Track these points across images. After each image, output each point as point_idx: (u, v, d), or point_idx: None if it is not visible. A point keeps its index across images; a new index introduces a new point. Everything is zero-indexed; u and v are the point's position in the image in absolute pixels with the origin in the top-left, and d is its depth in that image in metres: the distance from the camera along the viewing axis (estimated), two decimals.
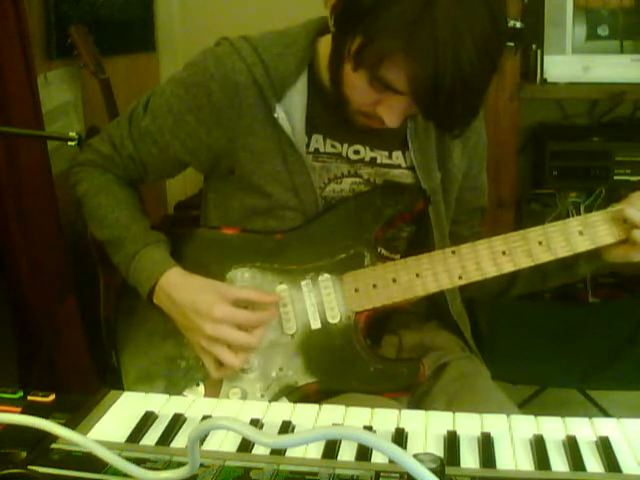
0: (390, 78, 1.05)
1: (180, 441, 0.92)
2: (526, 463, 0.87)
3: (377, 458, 0.86)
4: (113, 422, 0.96)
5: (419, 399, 1.27)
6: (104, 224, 1.32)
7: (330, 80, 1.18)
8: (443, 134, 1.17)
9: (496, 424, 0.94)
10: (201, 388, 1.23)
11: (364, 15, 1.03)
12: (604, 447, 0.88)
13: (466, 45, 0.99)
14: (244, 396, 1.21)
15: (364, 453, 0.87)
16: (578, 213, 2.28)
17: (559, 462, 0.87)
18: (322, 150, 1.26)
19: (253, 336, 1.19)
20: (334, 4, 1.10)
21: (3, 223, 1.88)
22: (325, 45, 1.23)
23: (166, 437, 0.92)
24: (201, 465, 0.81)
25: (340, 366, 1.21)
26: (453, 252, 1.20)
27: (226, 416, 0.77)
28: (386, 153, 1.28)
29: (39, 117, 1.97)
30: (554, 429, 0.93)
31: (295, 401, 1.16)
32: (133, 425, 0.95)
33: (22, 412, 0.92)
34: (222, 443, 0.91)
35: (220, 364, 1.20)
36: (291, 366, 1.21)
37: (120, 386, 1.27)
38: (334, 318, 1.22)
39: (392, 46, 1.01)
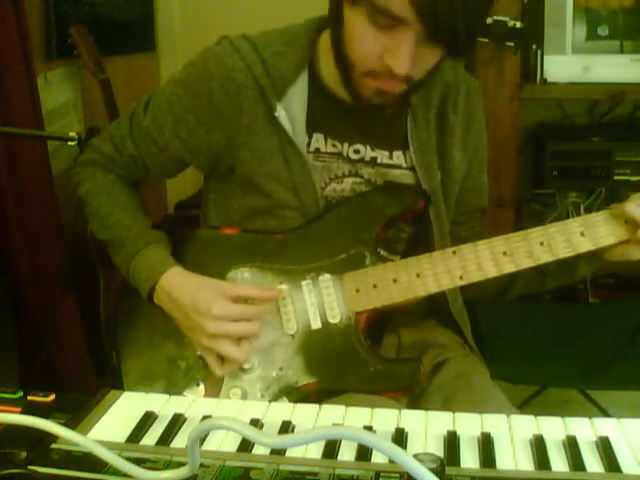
0: (390, 4, 1.04)
1: (180, 441, 0.92)
2: (526, 463, 0.87)
3: (377, 458, 0.86)
4: (113, 422, 0.96)
5: (416, 397, 1.27)
6: (105, 224, 1.32)
7: (333, 44, 1.17)
8: (453, 54, 1.14)
9: (496, 424, 0.94)
10: (201, 388, 1.23)
11: None
12: (604, 447, 0.88)
13: None
14: (244, 396, 1.21)
15: (364, 453, 0.87)
16: (578, 213, 2.28)
17: (559, 462, 0.87)
18: (323, 150, 1.26)
19: (252, 324, 1.19)
20: None
21: (3, 223, 1.88)
22: (325, 42, 1.23)
23: (166, 437, 0.92)
24: (201, 465, 0.81)
25: (340, 366, 1.21)
26: (454, 252, 1.20)
27: (226, 416, 0.77)
28: (387, 153, 1.28)
29: (39, 117, 1.97)
30: (554, 429, 0.93)
31: (295, 401, 1.16)
32: (133, 425, 0.95)
33: (22, 412, 0.92)
34: (222, 443, 0.90)
35: (223, 361, 1.20)
36: (291, 366, 1.21)
37: (120, 386, 1.27)
38: (334, 318, 1.22)
39: None
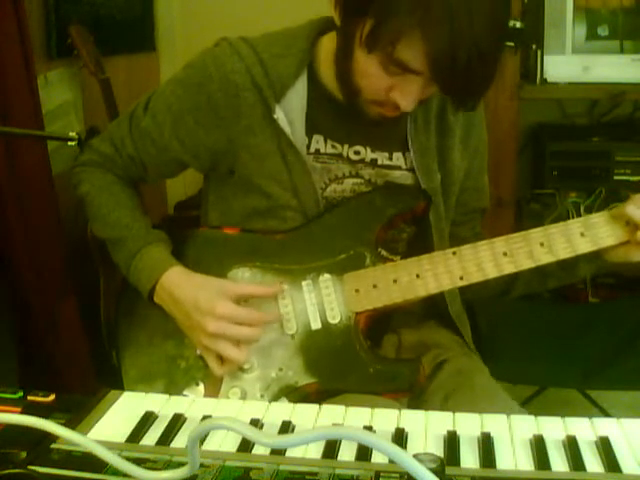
0: (406, 57, 1.05)
1: (180, 441, 0.92)
2: (526, 463, 0.87)
3: (377, 458, 0.86)
4: (113, 422, 0.96)
5: (417, 395, 1.27)
6: (105, 224, 1.32)
7: (338, 72, 1.17)
8: (459, 108, 1.17)
9: (496, 424, 0.94)
10: (201, 387, 1.23)
11: None
12: (604, 447, 0.88)
13: (480, 15, 1.01)
14: (244, 396, 1.21)
15: (364, 453, 0.87)
16: (578, 213, 2.28)
17: (559, 462, 0.87)
18: (323, 151, 1.26)
19: (254, 329, 1.19)
20: None
21: (3, 223, 1.88)
22: (326, 45, 1.23)
23: (166, 437, 0.92)
24: (201, 465, 0.81)
25: (340, 366, 1.21)
26: (454, 253, 1.20)
27: (226, 416, 0.77)
28: (386, 154, 1.28)
29: (39, 117, 1.97)
30: (554, 429, 0.93)
31: (295, 401, 1.16)
32: (133, 425, 0.95)
33: (22, 412, 0.92)
34: (222, 443, 0.90)
35: (222, 360, 1.20)
36: (291, 366, 1.21)
37: (120, 386, 1.27)
38: (334, 318, 1.22)
39: (408, 23, 1.01)
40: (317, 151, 1.26)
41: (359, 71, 1.12)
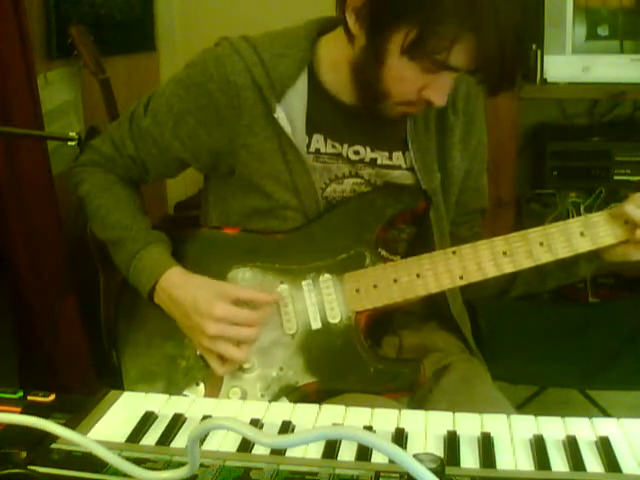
0: (457, 60, 1.07)
1: (180, 441, 0.92)
2: (526, 463, 0.87)
3: (377, 458, 0.86)
4: (113, 422, 0.96)
5: (419, 401, 1.26)
6: (105, 224, 1.32)
7: (362, 80, 1.17)
8: (494, 94, 1.19)
9: (496, 424, 0.94)
10: (201, 387, 1.23)
11: (415, 5, 1.04)
12: (604, 447, 0.88)
13: (516, 11, 1.05)
14: (244, 396, 1.21)
15: (364, 453, 0.87)
16: (578, 213, 2.28)
17: (559, 462, 0.87)
18: (323, 150, 1.26)
19: (253, 329, 1.19)
20: (359, 6, 1.10)
21: (3, 223, 1.88)
22: (325, 45, 1.23)
23: (166, 437, 0.92)
24: (201, 465, 0.81)
25: (340, 366, 1.21)
26: (454, 252, 1.20)
27: (226, 416, 0.77)
28: (386, 154, 1.28)
29: (39, 117, 1.97)
30: (554, 429, 0.93)
31: (295, 401, 1.16)
32: (133, 425, 0.94)
33: (22, 412, 0.92)
34: (222, 443, 0.90)
35: (223, 360, 1.20)
36: (291, 366, 1.21)
37: (120, 386, 1.27)
38: (334, 318, 1.22)
39: (460, 29, 1.03)
40: (317, 151, 1.26)
41: (392, 77, 1.13)
